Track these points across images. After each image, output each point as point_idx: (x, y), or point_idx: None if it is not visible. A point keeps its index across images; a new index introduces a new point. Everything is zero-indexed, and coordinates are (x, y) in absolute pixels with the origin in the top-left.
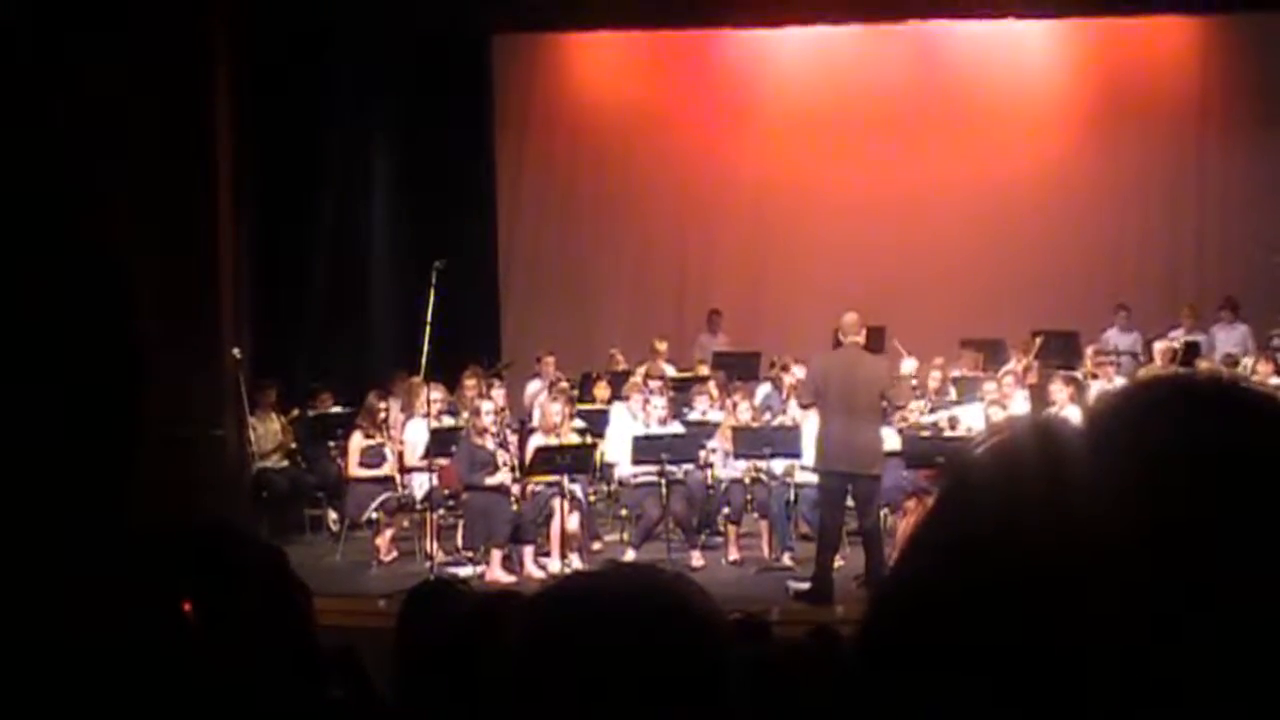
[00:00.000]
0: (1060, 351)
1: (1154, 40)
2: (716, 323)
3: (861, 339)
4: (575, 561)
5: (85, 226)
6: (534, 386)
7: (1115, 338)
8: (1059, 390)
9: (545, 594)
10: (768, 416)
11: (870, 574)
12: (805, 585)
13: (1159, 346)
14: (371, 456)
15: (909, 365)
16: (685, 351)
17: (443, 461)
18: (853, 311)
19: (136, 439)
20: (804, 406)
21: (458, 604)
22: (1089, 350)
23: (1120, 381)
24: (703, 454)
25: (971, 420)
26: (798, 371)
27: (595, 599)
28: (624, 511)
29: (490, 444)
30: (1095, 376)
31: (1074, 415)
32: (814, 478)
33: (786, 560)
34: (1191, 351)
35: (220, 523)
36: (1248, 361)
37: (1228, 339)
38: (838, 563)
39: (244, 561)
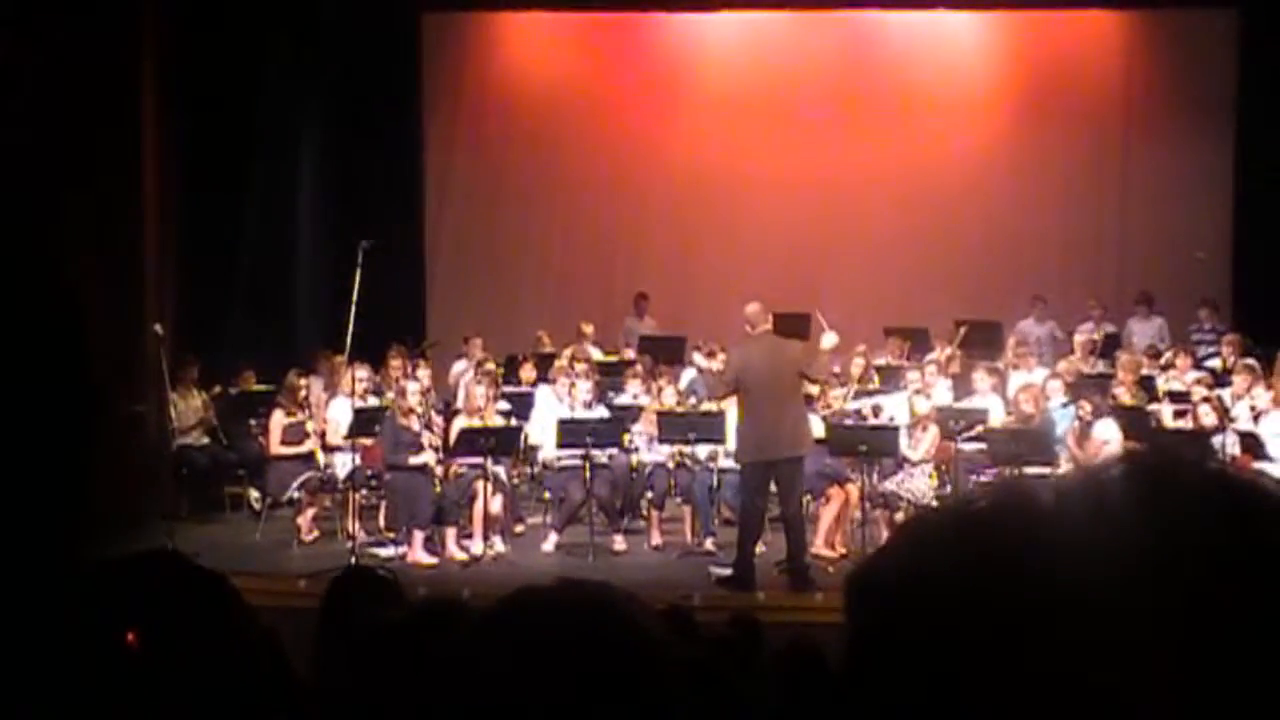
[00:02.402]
0: (983, 341)
1: (1079, 33)
2: (643, 306)
3: (769, 325)
4: (498, 544)
5: (36, 259)
6: (459, 367)
7: (1030, 328)
8: (981, 380)
9: (492, 615)
10: (692, 401)
11: (791, 560)
12: (727, 571)
13: (1079, 339)
14: (292, 434)
15: (830, 340)
16: (612, 335)
17: (366, 441)
18: (754, 302)
19: (90, 475)
20: (719, 398)
21: (384, 595)
22: (1011, 341)
23: (1041, 372)
24: (627, 438)
25: (894, 409)
26: (700, 361)
27: (543, 622)
28: (547, 494)
29: (415, 424)
30: (1016, 367)
31: (995, 406)
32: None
33: (709, 545)
34: (1111, 343)
35: (165, 551)
36: (1168, 355)
37: (1144, 331)
38: (759, 548)
39: (189, 590)
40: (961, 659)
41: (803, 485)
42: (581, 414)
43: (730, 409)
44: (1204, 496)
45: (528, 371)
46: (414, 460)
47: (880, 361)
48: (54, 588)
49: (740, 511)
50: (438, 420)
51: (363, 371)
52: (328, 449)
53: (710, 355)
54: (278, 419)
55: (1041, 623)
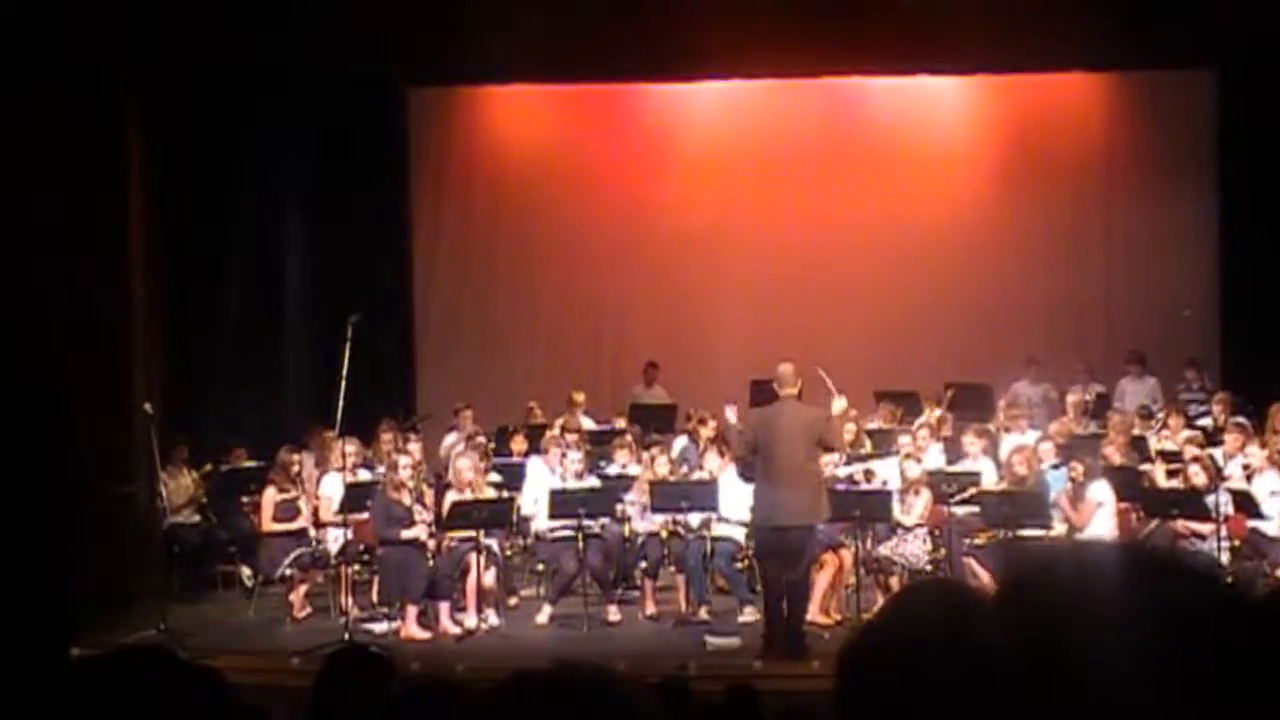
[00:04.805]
0: (973, 404)
1: (1060, 96)
2: (652, 375)
3: (797, 390)
4: (491, 617)
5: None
6: (451, 439)
7: (1025, 390)
8: (971, 443)
9: (491, 699)
10: (685, 469)
11: (789, 627)
12: (722, 640)
13: (1071, 399)
14: (285, 511)
15: (839, 404)
16: (603, 404)
17: (358, 516)
18: (788, 362)
19: (73, 579)
20: (739, 459)
21: (378, 672)
22: (1001, 403)
23: (1033, 434)
24: (619, 508)
25: (887, 473)
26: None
27: (541, 707)
28: (540, 566)
29: (407, 498)
30: (1008, 429)
31: (987, 468)
32: (730, 531)
33: (703, 613)
34: (1102, 404)
35: (153, 647)
36: (1160, 415)
37: (1137, 392)
38: (755, 616)
39: (182, 688)
40: None
41: (812, 554)
42: (573, 484)
43: (723, 477)
44: (1201, 589)
45: (519, 443)
46: (406, 534)
47: (872, 426)
48: (42, 688)
49: (761, 579)
50: (429, 494)
51: (351, 446)
52: (320, 525)
53: (702, 423)
54: (270, 495)
55: (1036, 694)
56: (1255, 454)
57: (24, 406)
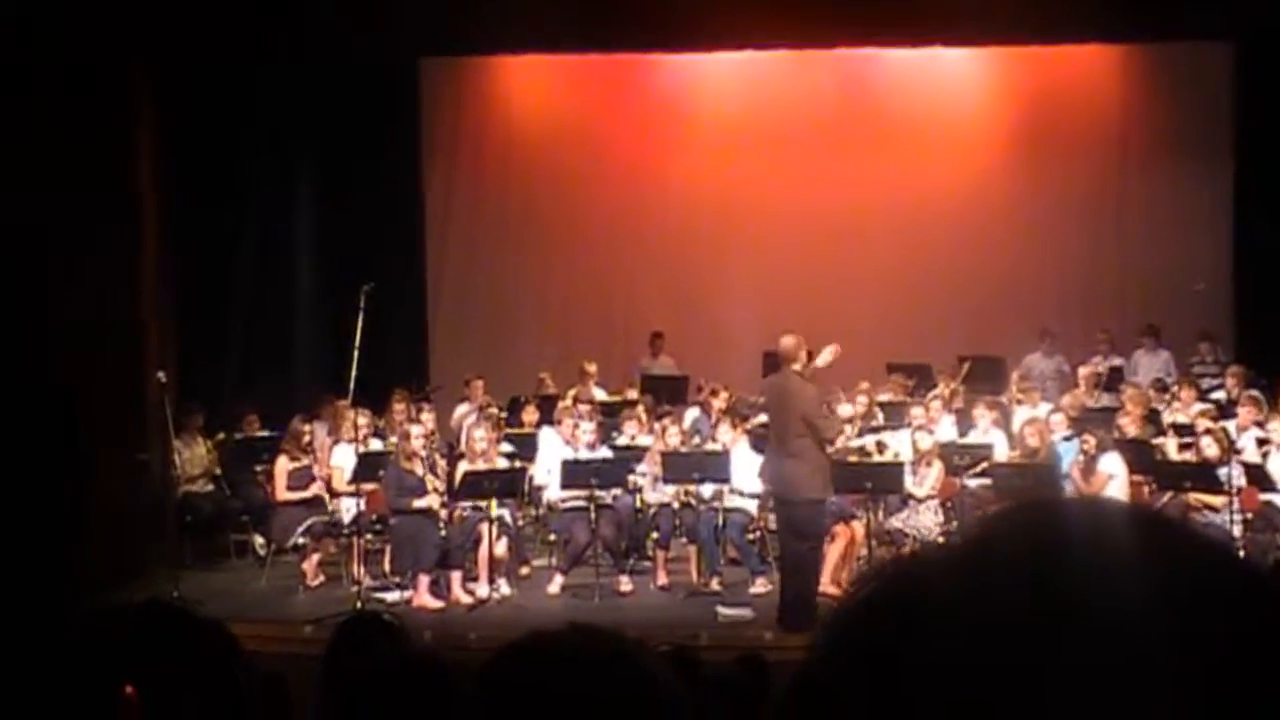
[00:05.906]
0: (986, 376)
1: (1075, 68)
2: (658, 345)
3: (799, 365)
4: (503, 586)
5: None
6: (462, 409)
7: (1039, 363)
8: (982, 415)
9: (502, 659)
10: (696, 441)
11: (802, 597)
12: (734, 610)
13: (1083, 372)
14: (298, 480)
15: (846, 410)
16: (614, 375)
17: (370, 486)
18: (791, 335)
19: (82, 534)
20: (755, 430)
21: (389, 640)
22: (1014, 376)
23: (1045, 407)
24: (631, 478)
25: (898, 445)
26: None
27: (554, 669)
28: (552, 536)
29: (419, 468)
30: (1020, 402)
31: (999, 440)
32: (742, 502)
33: (715, 584)
34: (1115, 377)
35: (162, 600)
36: (1174, 388)
37: (1151, 365)
38: (766, 588)
39: (189, 642)
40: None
41: (823, 526)
42: (585, 455)
43: (735, 448)
44: (1212, 553)
45: (531, 413)
46: (418, 504)
47: (884, 398)
48: (52, 640)
49: (779, 552)
50: (442, 464)
51: (364, 416)
52: (332, 494)
53: (714, 394)
54: (282, 465)
55: (1042, 651)
56: (1276, 429)
57: (33, 400)
